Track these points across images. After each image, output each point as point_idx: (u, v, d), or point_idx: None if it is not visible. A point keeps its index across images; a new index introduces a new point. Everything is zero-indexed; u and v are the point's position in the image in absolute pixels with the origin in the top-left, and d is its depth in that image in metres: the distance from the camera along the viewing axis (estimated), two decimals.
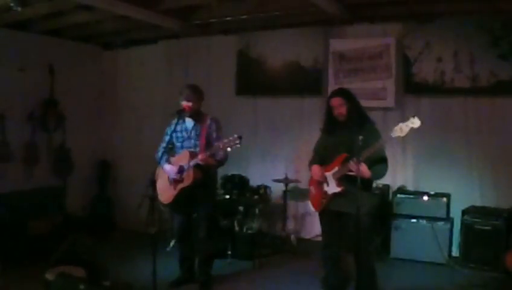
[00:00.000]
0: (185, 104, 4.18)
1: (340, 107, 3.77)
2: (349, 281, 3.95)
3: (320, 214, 3.98)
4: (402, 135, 3.45)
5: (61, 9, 5.51)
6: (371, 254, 3.90)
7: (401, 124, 3.44)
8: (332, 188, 3.77)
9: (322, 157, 3.96)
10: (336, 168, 3.74)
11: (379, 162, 3.67)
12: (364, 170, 3.53)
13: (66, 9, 5.53)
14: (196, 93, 4.26)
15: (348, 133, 3.68)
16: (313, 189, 3.98)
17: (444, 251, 4.97)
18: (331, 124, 3.90)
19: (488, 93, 5.10)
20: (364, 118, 3.83)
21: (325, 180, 3.82)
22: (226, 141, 3.88)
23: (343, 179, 3.70)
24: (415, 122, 3.43)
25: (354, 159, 3.50)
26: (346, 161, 3.65)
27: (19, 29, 6.02)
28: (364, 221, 3.66)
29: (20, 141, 6.03)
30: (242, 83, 6.42)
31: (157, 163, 4.28)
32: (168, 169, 4.22)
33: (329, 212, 3.84)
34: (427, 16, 5.29)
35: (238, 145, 3.83)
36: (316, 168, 3.90)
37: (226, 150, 3.96)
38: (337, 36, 5.86)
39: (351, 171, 3.58)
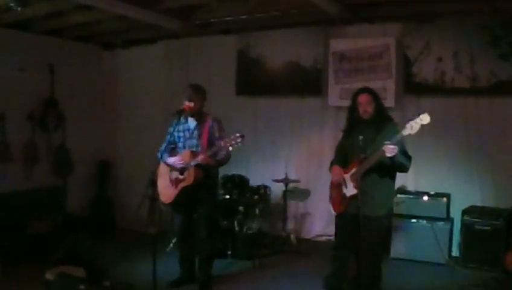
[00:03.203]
0: (186, 104, 4.17)
1: (367, 105, 3.70)
2: (352, 285, 3.91)
3: (337, 216, 3.95)
4: (413, 132, 3.38)
5: (61, 9, 5.51)
6: (381, 257, 3.87)
7: (411, 122, 3.37)
8: (350, 190, 3.70)
9: (341, 158, 3.89)
10: (354, 170, 3.66)
11: (405, 155, 3.59)
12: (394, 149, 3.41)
13: (66, 9, 5.53)
14: (198, 93, 4.24)
15: (370, 133, 3.60)
16: (333, 192, 3.91)
17: (444, 251, 4.97)
18: (353, 123, 3.81)
19: (488, 93, 5.10)
20: (387, 117, 3.78)
21: (343, 182, 3.76)
22: (227, 139, 3.88)
23: (360, 181, 3.62)
24: (425, 119, 3.35)
25: (388, 143, 3.39)
26: (362, 161, 3.55)
27: (19, 29, 6.02)
28: (383, 223, 3.63)
29: (20, 141, 6.04)
30: (242, 83, 6.42)
31: (160, 161, 4.29)
32: (173, 160, 4.20)
33: (346, 214, 3.77)
34: (427, 16, 5.29)
35: (240, 144, 3.82)
36: (336, 169, 3.84)
37: (227, 149, 3.96)
38: (337, 36, 5.86)
39: (367, 168, 3.51)
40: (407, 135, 3.42)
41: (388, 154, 3.43)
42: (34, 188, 6.05)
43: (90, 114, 6.99)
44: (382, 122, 3.71)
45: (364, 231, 3.41)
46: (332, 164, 3.96)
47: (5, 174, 5.81)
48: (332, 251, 3.99)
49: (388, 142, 3.42)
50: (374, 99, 3.74)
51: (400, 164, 3.61)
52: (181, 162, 4.15)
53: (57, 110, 6.38)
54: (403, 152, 3.60)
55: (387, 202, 3.79)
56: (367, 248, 3.48)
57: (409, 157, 3.67)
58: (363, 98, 3.74)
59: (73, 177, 6.67)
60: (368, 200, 3.46)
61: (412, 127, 3.38)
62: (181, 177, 4.15)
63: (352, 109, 3.81)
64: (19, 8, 4.95)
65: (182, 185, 4.16)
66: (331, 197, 3.95)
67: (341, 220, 3.89)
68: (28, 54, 6.12)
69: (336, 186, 3.86)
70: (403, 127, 3.42)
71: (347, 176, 3.74)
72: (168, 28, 6.04)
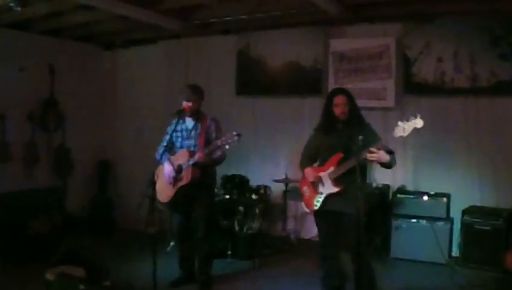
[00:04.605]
0: (185, 104, 4.19)
1: (343, 106, 3.75)
2: (347, 281, 3.95)
3: (315, 215, 3.97)
4: (404, 135, 3.41)
5: (61, 9, 5.52)
6: (369, 253, 3.90)
7: (403, 124, 3.40)
8: (328, 188, 3.75)
9: (313, 157, 3.95)
10: (332, 168, 3.72)
11: (389, 153, 3.63)
12: (383, 153, 3.49)
13: (66, 9, 5.54)
14: (196, 93, 4.26)
15: (347, 133, 3.66)
16: (306, 189, 3.95)
17: (444, 251, 4.97)
18: (329, 123, 3.86)
19: (488, 93, 5.10)
20: (362, 118, 3.84)
21: (319, 180, 3.81)
22: (223, 138, 3.90)
23: (340, 179, 3.69)
24: (418, 123, 3.38)
25: (372, 148, 3.46)
26: (342, 161, 3.65)
27: (19, 29, 6.02)
28: (362, 219, 3.65)
29: (20, 141, 6.03)
30: (242, 83, 6.42)
31: (158, 162, 4.29)
32: (167, 169, 4.22)
33: (324, 212, 3.82)
34: (427, 16, 5.29)
35: (237, 142, 3.83)
36: (309, 170, 3.89)
37: (224, 148, 3.97)
38: (337, 36, 5.86)
39: (348, 168, 3.57)
40: (398, 137, 3.45)
41: (370, 159, 3.49)
42: (34, 188, 6.04)
43: (90, 114, 6.99)
44: (358, 123, 3.74)
45: (347, 228, 3.46)
46: (302, 164, 3.99)
47: (5, 174, 5.81)
48: (319, 251, 4.01)
49: (372, 148, 3.47)
50: (349, 101, 3.78)
51: (389, 166, 3.65)
52: (171, 178, 4.15)
53: (57, 110, 6.38)
54: (387, 151, 3.62)
55: (364, 198, 3.82)
56: (353, 244, 3.53)
57: (393, 152, 3.69)
58: (339, 100, 3.78)
59: (73, 177, 6.67)
60: (346, 198, 3.51)
61: (404, 129, 3.41)
62: (178, 176, 4.16)
63: (328, 109, 3.84)
64: (19, 8, 4.95)
65: (179, 184, 4.16)
66: (304, 196, 3.98)
67: (321, 219, 3.93)
68: (28, 54, 6.12)
69: (310, 184, 3.89)
70: (394, 129, 3.45)
71: (324, 174, 3.76)
72: (168, 28, 6.04)
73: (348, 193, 3.60)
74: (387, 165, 3.67)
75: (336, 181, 3.71)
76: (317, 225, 4.02)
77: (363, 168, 3.74)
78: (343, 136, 3.70)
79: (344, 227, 3.68)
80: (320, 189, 3.81)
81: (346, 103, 3.76)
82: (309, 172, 3.89)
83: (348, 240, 3.63)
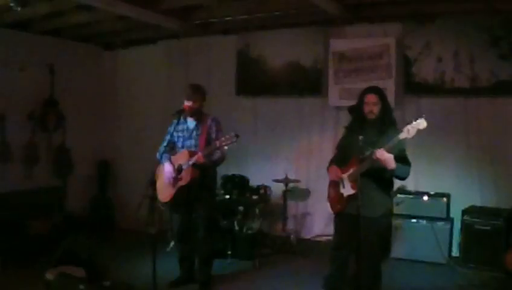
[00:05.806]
0: (185, 103, 4.18)
1: (373, 105, 3.65)
2: (351, 284, 3.91)
3: (335, 216, 3.94)
4: (409, 136, 3.37)
5: (61, 9, 5.51)
6: (380, 257, 3.86)
7: (408, 126, 3.36)
8: (347, 190, 3.70)
9: (341, 157, 3.88)
10: (351, 170, 3.65)
11: (402, 162, 3.55)
12: (390, 158, 3.40)
13: (66, 9, 5.53)
14: (197, 93, 4.25)
15: (371, 134, 3.56)
16: (331, 191, 3.90)
17: (444, 251, 4.97)
18: (358, 122, 3.76)
19: (488, 93, 5.10)
20: (392, 120, 3.73)
21: (341, 181, 3.76)
22: (223, 139, 3.89)
23: (359, 181, 3.61)
24: (421, 124, 3.34)
25: (380, 149, 3.40)
26: (361, 162, 3.55)
27: (19, 29, 6.02)
28: (382, 223, 3.62)
29: (20, 141, 6.03)
30: (242, 83, 6.43)
31: (159, 162, 4.29)
32: (167, 169, 4.22)
33: (344, 214, 3.76)
34: (427, 16, 5.29)
35: (236, 143, 3.83)
36: (333, 169, 3.83)
37: (223, 149, 3.96)
38: (337, 36, 5.86)
39: (367, 167, 3.49)
40: (403, 139, 3.41)
41: (377, 157, 3.42)
42: (34, 188, 6.05)
43: (90, 114, 6.99)
44: (385, 125, 3.66)
45: (363, 231, 3.40)
46: (331, 162, 3.94)
47: (5, 174, 5.81)
48: (332, 251, 3.98)
49: (380, 149, 3.40)
50: (381, 100, 3.69)
51: (395, 175, 3.59)
52: (171, 177, 4.15)
53: (57, 110, 6.38)
54: (402, 158, 3.56)
55: (385, 202, 3.76)
56: (366, 248, 3.47)
57: (408, 164, 3.63)
58: (369, 98, 3.68)
59: (73, 177, 6.67)
60: (366, 201, 3.44)
61: (409, 131, 3.36)
62: (178, 176, 4.16)
63: (358, 108, 3.76)
64: (19, 8, 4.95)
65: (179, 184, 4.16)
66: (328, 196, 3.94)
67: (340, 220, 3.88)
68: (28, 54, 6.11)
69: (334, 186, 3.85)
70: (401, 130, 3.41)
71: (345, 176, 3.72)
72: (168, 28, 6.04)
73: (366, 196, 3.48)
74: (396, 175, 3.58)
75: (354, 183, 3.60)
76: (334, 225, 3.98)
77: (380, 171, 3.59)
78: (367, 137, 3.53)
79: (361, 230, 3.59)
80: (342, 190, 3.76)
81: (376, 103, 3.66)
82: (333, 171, 3.82)
83: (363, 243, 3.53)
